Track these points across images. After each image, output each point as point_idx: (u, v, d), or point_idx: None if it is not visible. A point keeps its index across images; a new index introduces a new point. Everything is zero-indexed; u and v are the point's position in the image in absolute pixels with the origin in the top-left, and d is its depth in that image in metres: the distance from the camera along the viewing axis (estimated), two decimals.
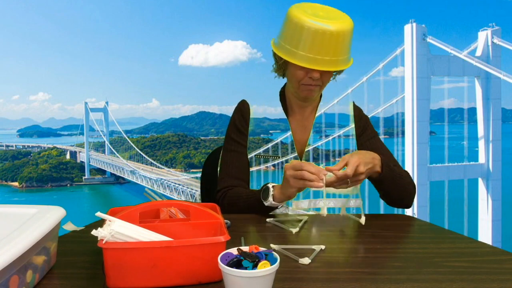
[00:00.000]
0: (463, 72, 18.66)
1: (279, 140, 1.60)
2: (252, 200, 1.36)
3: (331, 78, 1.50)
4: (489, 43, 18.41)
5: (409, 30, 18.41)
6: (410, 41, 18.35)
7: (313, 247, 1.04)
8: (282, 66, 1.47)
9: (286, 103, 1.57)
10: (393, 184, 1.35)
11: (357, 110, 1.61)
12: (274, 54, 1.46)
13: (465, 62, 18.26)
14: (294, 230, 1.15)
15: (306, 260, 0.96)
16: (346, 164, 1.20)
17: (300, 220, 1.25)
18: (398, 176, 1.36)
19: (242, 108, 1.54)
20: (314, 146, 1.57)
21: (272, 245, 1.05)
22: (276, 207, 1.33)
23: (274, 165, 1.55)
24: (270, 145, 1.56)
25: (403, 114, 19.26)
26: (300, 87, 1.43)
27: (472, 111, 20.59)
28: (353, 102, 1.63)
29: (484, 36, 18.57)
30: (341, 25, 1.30)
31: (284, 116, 1.55)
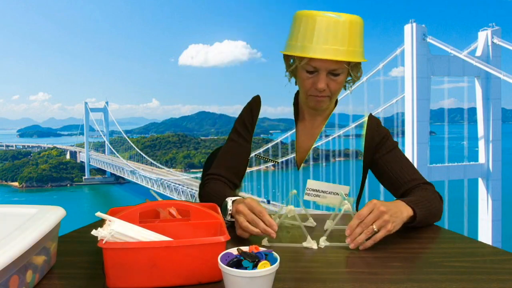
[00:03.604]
0: (463, 72, 18.65)
1: (279, 140, 1.60)
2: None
3: (347, 87, 1.47)
4: (489, 43, 18.40)
5: (409, 30, 18.40)
6: (410, 41, 18.34)
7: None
8: (292, 74, 1.45)
9: (298, 107, 1.55)
10: (428, 219, 1.25)
11: (371, 128, 1.48)
12: (284, 61, 1.44)
13: (465, 62, 18.26)
14: (314, 246, 1.08)
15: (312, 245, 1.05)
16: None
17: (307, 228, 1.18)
18: (430, 208, 1.25)
19: (253, 102, 1.53)
20: (314, 147, 1.57)
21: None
22: None
23: (274, 165, 1.55)
24: (270, 145, 1.56)
25: (403, 114, 19.27)
26: (308, 98, 1.41)
27: (472, 111, 20.59)
28: (370, 115, 1.52)
29: (484, 36, 18.57)
30: (346, 16, 1.29)
31: (293, 119, 1.53)
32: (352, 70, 1.37)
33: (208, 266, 0.83)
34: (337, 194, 1.43)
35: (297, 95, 1.56)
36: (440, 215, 1.32)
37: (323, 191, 1.44)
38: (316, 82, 1.34)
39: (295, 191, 1.17)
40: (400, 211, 1.13)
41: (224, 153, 1.51)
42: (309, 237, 1.07)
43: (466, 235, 1.19)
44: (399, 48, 19.29)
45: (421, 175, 1.43)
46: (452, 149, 20.79)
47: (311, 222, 1.26)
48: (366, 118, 1.51)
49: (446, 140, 20.30)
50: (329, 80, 1.35)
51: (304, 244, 1.07)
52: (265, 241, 1.08)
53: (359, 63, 1.39)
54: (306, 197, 1.46)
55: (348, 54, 1.29)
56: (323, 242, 1.08)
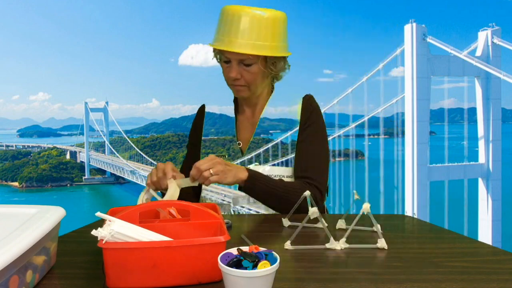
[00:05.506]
0: (463, 72, 18.66)
1: (279, 140, 1.60)
2: None
3: (274, 79, 1.52)
4: (489, 43, 18.41)
5: (409, 30, 18.41)
6: (410, 41, 18.35)
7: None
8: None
9: (237, 101, 1.62)
10: (265, 197, 1.35)
11: (306, 109, 1.50)
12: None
13: (465, 62, 18.27)
14: (337, 247, 1.07)
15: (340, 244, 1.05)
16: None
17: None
18: (274, 190, 1.33)
19: (198, 111, 1.69)
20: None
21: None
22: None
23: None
24: (270, 145, 1.55)
25: (403, 114, 19.28)
26: (230, 88, 1.49)
27: (472, 111, 20.60)
28: (306, 96, 1.52)
29: (484, 36, 18.58)
30: (260, 11, 1.35)
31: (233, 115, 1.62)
32: (267, 63, 1.40)
33: (208, 266, 0.83)
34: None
35: None
36: (289, 205, 1.23)
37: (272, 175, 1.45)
38: (229, 70, 1.42)
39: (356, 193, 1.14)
40: (237, 169, 1.28)
41: (184, 163, 1.65)
42: (332, 238, 1.06)
43: (466, 235, 1.19)
44: (399, 48, 19.31)
45: (319, 174, 1.43)
46: (452, 149, 20.82)
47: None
48: (300, 99, 1.52)
49: (446, 140, 20.33)
50: (242, 70, 1.41)
51: (327, 245, 1.06)
52: (287, 245, 1.06)
53: (280, 57, 1.41)
54: None
55: (253, 48, 1.34)
56: (342, 244, 1.06)
